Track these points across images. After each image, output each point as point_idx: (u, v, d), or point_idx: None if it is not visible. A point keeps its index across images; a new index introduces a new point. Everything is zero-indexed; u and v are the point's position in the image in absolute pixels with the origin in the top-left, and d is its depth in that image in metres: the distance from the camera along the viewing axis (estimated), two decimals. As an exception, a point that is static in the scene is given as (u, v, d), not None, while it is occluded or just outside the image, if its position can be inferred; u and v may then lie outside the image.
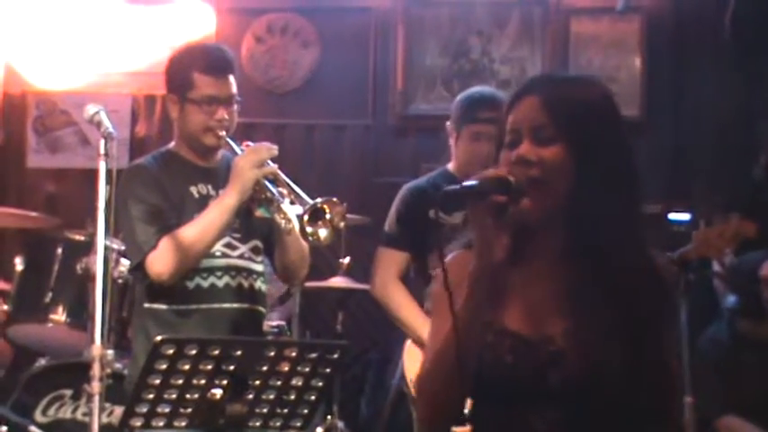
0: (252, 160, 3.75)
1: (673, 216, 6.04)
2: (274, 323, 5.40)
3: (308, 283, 5.60)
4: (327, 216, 3.67)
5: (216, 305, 3.83)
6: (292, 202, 3.72)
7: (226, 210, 3.74)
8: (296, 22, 7.10)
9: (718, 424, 4.92)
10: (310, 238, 3.69)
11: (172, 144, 4.03)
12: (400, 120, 6.94)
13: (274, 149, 3.81)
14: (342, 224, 3.68)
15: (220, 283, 3.84)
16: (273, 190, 3.76)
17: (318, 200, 3.65)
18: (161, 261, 3.72)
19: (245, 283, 3.89)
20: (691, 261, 4.45)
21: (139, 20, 7.06)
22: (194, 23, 6.99)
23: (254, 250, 3.95)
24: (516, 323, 2.27)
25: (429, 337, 2.38)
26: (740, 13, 6.46)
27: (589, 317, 2.22)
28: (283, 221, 3.78)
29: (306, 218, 3.63)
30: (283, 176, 3.78)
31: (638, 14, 6.70)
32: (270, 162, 3.77)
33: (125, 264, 4.60)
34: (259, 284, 3.94)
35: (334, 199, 3.67)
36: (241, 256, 3.90)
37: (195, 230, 3.74)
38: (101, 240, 3.37)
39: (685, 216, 5.97)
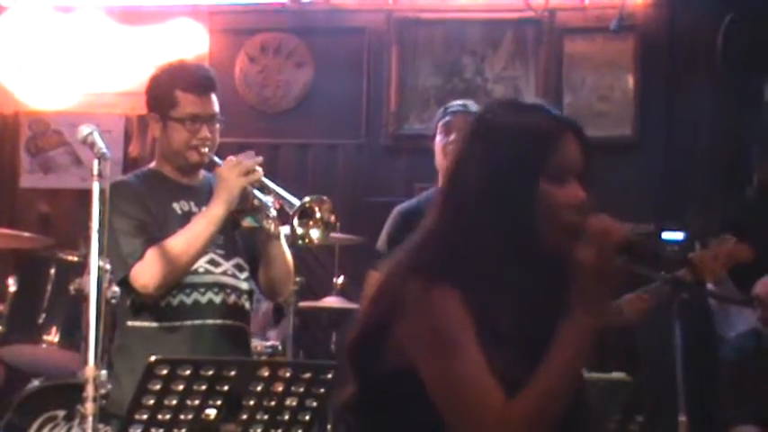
0: (237, 169, 3.75)
1: (666, 235, 6.04)
2: (268, 343, 5.39)
3: (302, 303, 5.60)
4: (317, 215, 3.68)
5: (199, 322, 3.79)
6: (281, 207, 3.72)
7: (213, 220, 3.72)
8: (289, 42, 7.11)
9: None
10: (300, 242, 3.69)
11: (153, 163, 4.02)
12: (393, 139, 6.94)
13: (258, 158, 3.81)
14: (332, 218, 3.68)
15: (204, 300, 3.81)
16: (261, 197, 3.75)
17: (306, 199, 3.66)
18: (147, 273, 3.69)
19: (229, 300, 3.85)
20: (684, 281, 4.46)
21: (132, 40, 7.07)
22: (187, 43, 7.00)
23: (238, 267, 3.92)
24: (516, 364, 2.21)
25: (474, 370, 2.15)
26: (732, 33, 6.48)
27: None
28: (272, 227, 3.78)
29: (296, 221, 3.64)
30: (269, 182, 3.78)
31: (631, 34, 6.72)
32: (258, 168, 3.78)
33: (117, 284, 4.59)
34: (243, 302, 3.91)
35: (324, 197, 3.68)
36: (224, 273, 3.87)
37: (182, 241, 3.71)
38: (94, 261, 3.36)
39: (678, 235, 5.98)
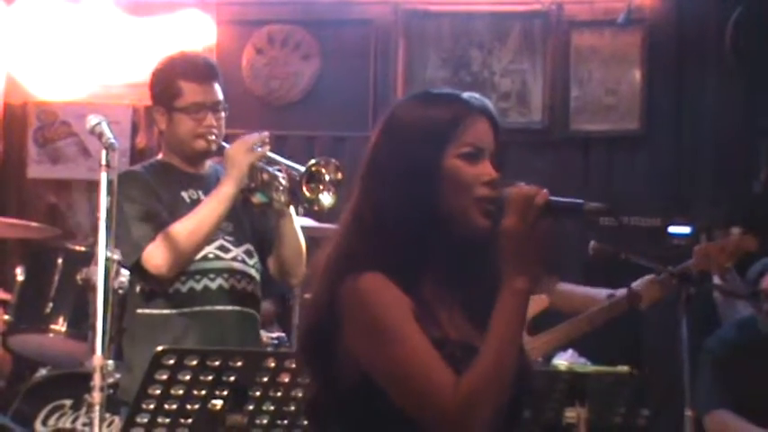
0: (243, 146, 3.76)
1: (673, 229, 6.04)
2: (274, 335, 5.40)
3: (308, 294, 5.59)
4: (326, 178, 3.69)
5: (209, 307, 3.81)
6: (290, 178, 3.73)
7: (224, 199, 3.73)
8: (297, 33, 7.11)
9: (708, 417, 4.92)
10: (308, 206, 3.71)
11: (160, 156, 4.04)
12: (400, 132, 6.93)
13: (264, 133, 3.82)
14: (340, 175, 3.68)
15: (213, 286, 3.82)
16: (269, 170, 3.76)
17: (311, 161, 3.67)
18: (160, 254, 3.71)
19: (239, 286, 3.87)
20: (691, 275, 4.46)
21: (140, 31, 7.07)
22: (195, 34, 7.00)
23: (248, 253, 3.93)
24: (453, 332, 2.27)
25: (419, 352, 2.17)
26: (741, 26, 6.47)
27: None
28: (282, 199, 3.78)
29: (304, 187, 3.65)
30: (276, 156, 3.79)
31: (639, 27, 6.71)
32: (264, 144, 3.79)
33: (125, 274, 4.60)
34: (253, 288, 3.93)
35: (330, 159, 3.70)
36: (234, 259, 3.88)
37: (194, 221, 3.73)
38: (102, 251, 3.37)
39: (685, 229, 5.98)
